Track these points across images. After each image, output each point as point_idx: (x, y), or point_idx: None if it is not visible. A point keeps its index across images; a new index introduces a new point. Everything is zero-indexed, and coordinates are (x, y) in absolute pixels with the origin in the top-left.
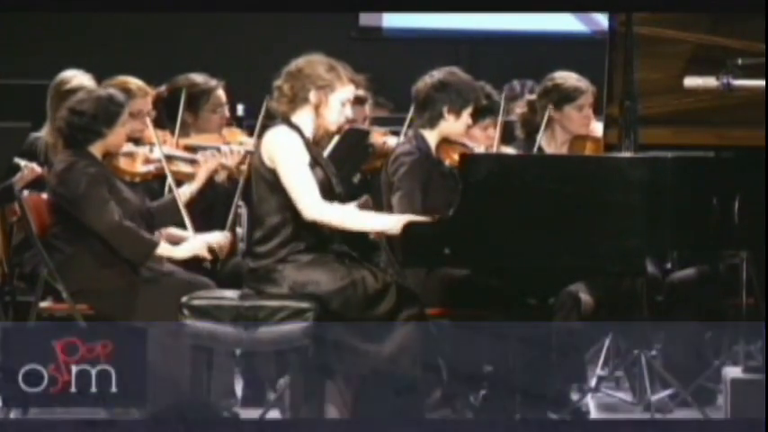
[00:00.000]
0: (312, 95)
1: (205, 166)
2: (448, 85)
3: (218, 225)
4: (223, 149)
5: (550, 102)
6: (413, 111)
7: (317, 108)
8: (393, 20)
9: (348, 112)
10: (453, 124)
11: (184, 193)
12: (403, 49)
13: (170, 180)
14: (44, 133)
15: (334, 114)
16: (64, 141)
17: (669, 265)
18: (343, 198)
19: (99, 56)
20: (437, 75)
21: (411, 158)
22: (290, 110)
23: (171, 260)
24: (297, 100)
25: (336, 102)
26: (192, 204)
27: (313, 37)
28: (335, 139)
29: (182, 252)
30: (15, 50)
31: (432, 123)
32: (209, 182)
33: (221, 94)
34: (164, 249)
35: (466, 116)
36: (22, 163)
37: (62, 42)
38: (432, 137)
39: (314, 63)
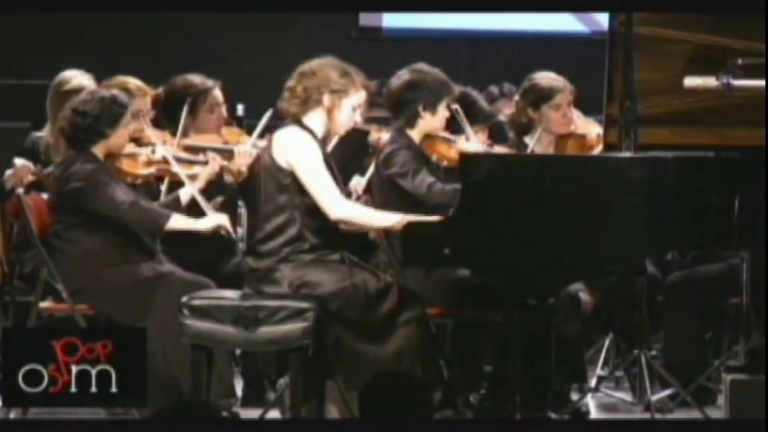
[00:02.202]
0: (326, 99)
1: (207, 169)
2: (418, 83)
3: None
4: (237, 150)
5: (528, 102)
6: (390, 115)
7: (329, 111)
8: (393, 20)
9: (357, 116)
10: (431, 120)
11: (185, 193)
12: (403, 49)
13: (166, 183)
14: (45, 133)
15: (345, 118)
16: (67, 142)
17: (669, 256)
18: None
19: (98, 56)
20: (405, 75)
21: (405, 151)
22: (301, 111)
23: (173, 258)
24: (309, 102)
25: (348, 106)
26: (192, 204)
27: (313, 37)
28: (335, 138)
29: (204, 224)
30: (15, 50)
31: (410, 123)
32: (212, 183)
33: (218, 94)
34: (183, 222)
35: (442, 110)
36: (16, 161)
37: (62, 42)
38: (414, 135)
39: (328, 66)
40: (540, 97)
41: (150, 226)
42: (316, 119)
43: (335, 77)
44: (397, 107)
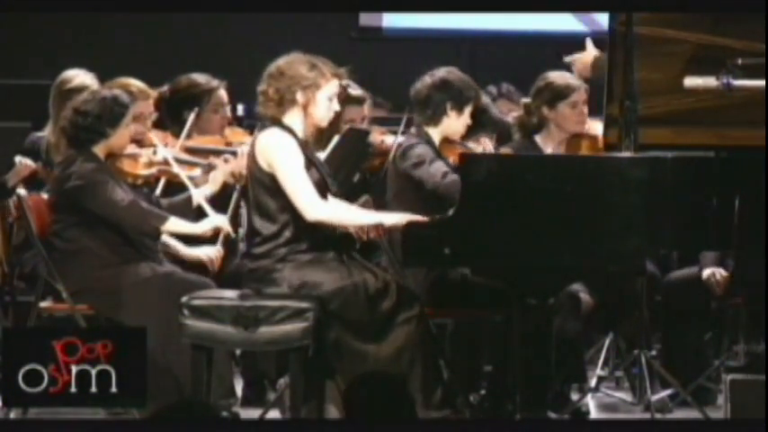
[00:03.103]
0: (299, 96)
1: (222, 170)
2: (450, 83)
3: None
4: (240, 152)
5: (543, 101)
6: (414, 111)
7: (305, 108)
8: (393, 20)
9: (335, 105)
10: (455, 122)
11: (204, 193)
12: (403, 49)
13: (161, 184)
14: (47, 133)
15: (323, 111)
16: (68, 141)
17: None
18: (341, 198)
19: (99, 56)
20: (438, 74)
21: (423, 145)
22: (279, 113)
23: (173, 258)
24: (284, 102)
25: (323, 99)
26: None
27: (313, 37)
28: (335, 139)
29: (200, 227)
30: (15, 50)
31: (435, 121)
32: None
33: (223, 94)
34: (180, 225)
35: (467, 114)
36: (17, 159)
37: (62, 42)
38: (435, 134)
39: (294, 63)
40: (557, 95)
41: (146, 227)
42: (294, 117)
43: (304, 73)
44: (424, 104)
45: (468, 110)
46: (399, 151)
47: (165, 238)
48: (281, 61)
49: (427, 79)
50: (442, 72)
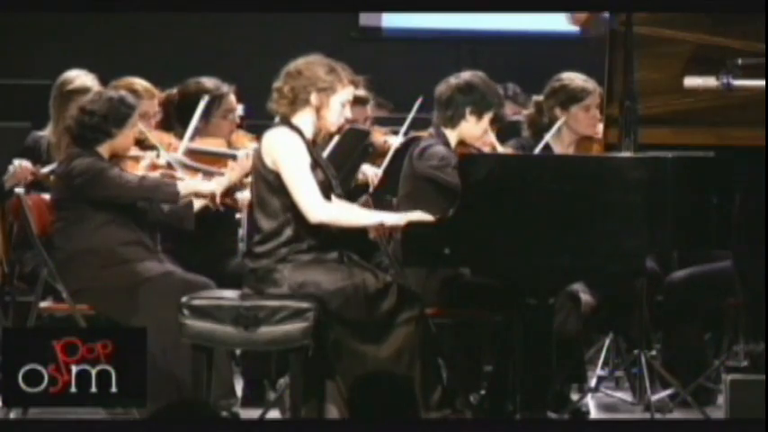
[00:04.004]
0: (313, 97)
1: (228, 178)
2: (473, 87)
3: (223, 226)
4: (239, 155)
5: (557, 102)
6: (434, 111)
7: (317, 110)
8: (393, 20)
9: (347, 112)
10: (473, 126)
11: (198, 200)
12: (403, 49)
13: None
14: (47, 132)
15: (335, 116)
16: (73, 140)
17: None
18: (343, 199)
19: (99, 56)
20: (463, 76)
21: (443, 147)
22: (290, 111)
23: (174, 258)
24: (297, 102)
25: (337, 103)
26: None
27: (313, 37)
28: (335, 139)
29: (206, 186)
30: (16, 50)
31: (453, 123)
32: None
33: (232, 99)
34: (190, 185)
35: (486, 120)
36: (15, 162)
37: (62, 42)
38: (452, 137)
39: (314, 65)
40: (572, 97)
41: (163, 195)
42: (305, 118)
43: (322, 75)
44: (445, 105)
45: (487, 116)
46: (417, 151)
47: (182, 188)
48: (301, 61)
49: (452, 80)
50: (467, 75)
